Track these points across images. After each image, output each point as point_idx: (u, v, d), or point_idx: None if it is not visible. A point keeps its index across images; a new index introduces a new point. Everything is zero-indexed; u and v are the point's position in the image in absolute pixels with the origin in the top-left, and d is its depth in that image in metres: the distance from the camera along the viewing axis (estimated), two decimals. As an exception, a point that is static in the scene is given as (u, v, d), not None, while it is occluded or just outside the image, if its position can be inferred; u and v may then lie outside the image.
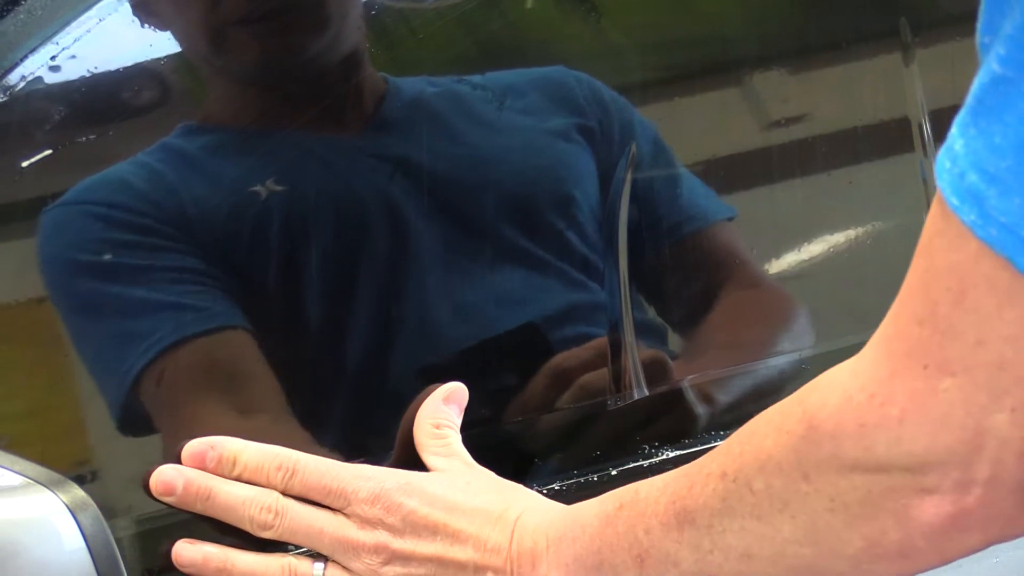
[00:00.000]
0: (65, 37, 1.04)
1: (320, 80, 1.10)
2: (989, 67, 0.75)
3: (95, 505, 0.97)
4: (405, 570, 1.02)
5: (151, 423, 1.05)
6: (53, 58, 1.04)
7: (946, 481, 0.81)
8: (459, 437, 1.08)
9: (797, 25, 1.30)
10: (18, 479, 0.97)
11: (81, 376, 1.06)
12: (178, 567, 1.02)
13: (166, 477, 1.02)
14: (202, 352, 1.05)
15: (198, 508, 1.02)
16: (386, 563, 1.02)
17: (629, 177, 1.17)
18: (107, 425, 1.05)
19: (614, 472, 1.14)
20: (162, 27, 1.08)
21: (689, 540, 0.92)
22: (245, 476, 1.03)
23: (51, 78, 1.04)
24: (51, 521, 0.96)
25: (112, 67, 1.06)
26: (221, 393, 1.06)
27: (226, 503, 1.03)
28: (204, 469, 1.03)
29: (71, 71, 1.04)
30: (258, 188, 1.06)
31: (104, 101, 1.06)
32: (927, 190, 1.27)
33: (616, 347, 1.15)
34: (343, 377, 1.10)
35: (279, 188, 1.07)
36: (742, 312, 1.22)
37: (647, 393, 1.15)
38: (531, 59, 1.21)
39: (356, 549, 1.02)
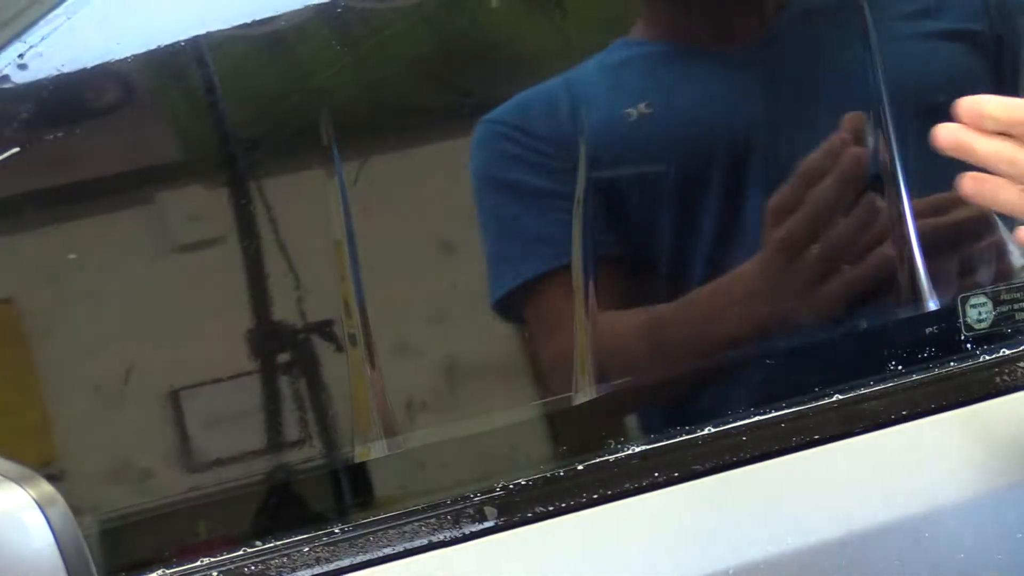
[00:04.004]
0: (32, 35, 1.04)
1: None
2: None
3: (64, 501, 0.97)
4: None
5: (519, 317, 1.17)
6: (20, 56, 1.04)
7: None
8: None
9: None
10: (-13, 475, 0.97)
11: (51, 375, 1.06)
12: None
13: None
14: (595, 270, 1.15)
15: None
16: None
17: None
18: (76, 423, 1.05)
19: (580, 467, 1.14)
20: None
21: None
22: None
23: (18, 76, 1.04)
24: (19, 516, 0.96)
25: (79, 66, 1.06)
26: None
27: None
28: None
29: (38, 69, 1.05)
30: (630, 110, 1.16)
31: (72, 99, 1.06)
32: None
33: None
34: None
35: (648, 111, 1.16)
36: None
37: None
38: (501, 59, 1.22)
39: None
